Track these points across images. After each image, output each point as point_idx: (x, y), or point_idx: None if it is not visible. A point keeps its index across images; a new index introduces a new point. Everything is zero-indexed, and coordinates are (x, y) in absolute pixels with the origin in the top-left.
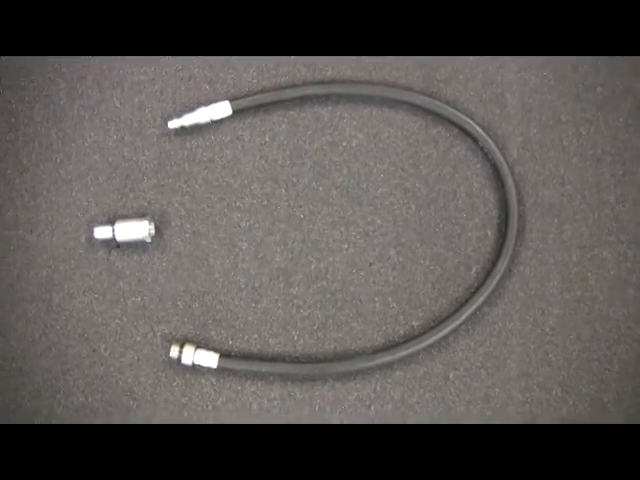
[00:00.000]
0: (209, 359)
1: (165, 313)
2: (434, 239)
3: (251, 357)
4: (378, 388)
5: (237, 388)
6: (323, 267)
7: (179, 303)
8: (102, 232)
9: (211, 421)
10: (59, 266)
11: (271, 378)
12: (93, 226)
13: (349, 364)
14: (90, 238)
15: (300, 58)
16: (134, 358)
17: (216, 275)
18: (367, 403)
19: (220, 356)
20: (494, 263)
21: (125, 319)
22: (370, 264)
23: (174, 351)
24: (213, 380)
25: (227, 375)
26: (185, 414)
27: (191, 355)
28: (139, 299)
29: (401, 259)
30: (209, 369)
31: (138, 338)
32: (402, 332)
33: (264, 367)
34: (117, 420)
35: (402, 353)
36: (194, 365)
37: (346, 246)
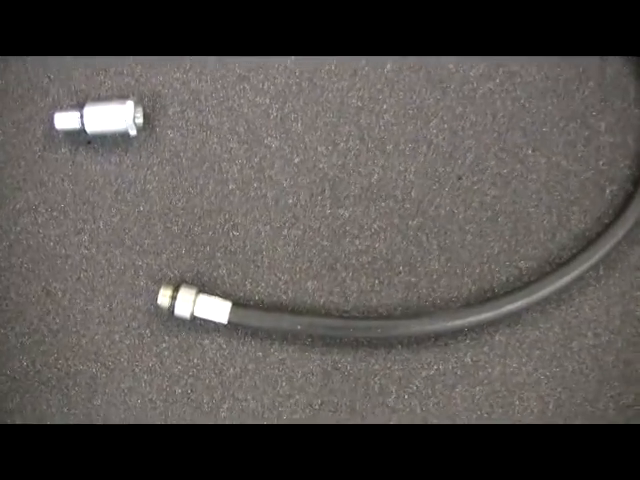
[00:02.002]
0: (217, 310)
1: (154, 240)
2: (551, 144)
3: (279, 308)
4: (468, 360)
5: (257, 354)
6: (390, 179)
7: (174, 226)
8: (66, 120)
9: (216, 401)
10: (4, 170)
11: (309, 341)
12: (54, 112)
13: (426, 323)
14: (49, 129)
15: None
16: (105, 306)
17: (231, 187)
18: (451, 382)
19: (233, 305)
20: (636, 183)
21: (94, 248)
22: (459, 177)
23: (164, 297)
24: (221, 341)
25: (243, 335)
26: (178, 390)
27: (190, 303)
28: (117, 219)
29: (504, 172)
30: (216, 325)
31: (112, 276)
32: (504, 278)
33: (298, 323)
34: (75, 396)
35: (504, 309)
36: (194, 318)
37: (424, 149)
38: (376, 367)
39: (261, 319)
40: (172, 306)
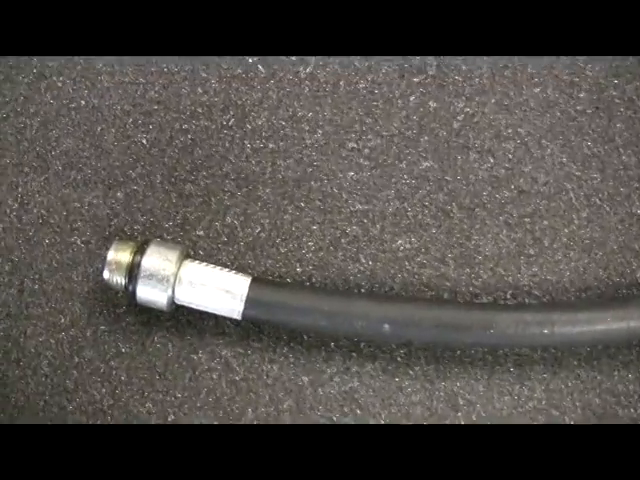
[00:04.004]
0: (222, 292)
1: (102, 163)
2: None
3: (343, 291)
4: None
5: (301, 380)
6: None
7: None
8: None
9: None
10: None
11: (403, 354)
12: None
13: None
14: None
15: None
16: (12, 286)
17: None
18: None
19: (253, 283)
20: None
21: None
22: None
23: (118, 266)
24: (228, 356)
25: (272, 342)
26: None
27: (168, 279)
28: (36, 121)
29: None
30: (220, 323)
31: (27, 229)
32: None
33: (383, 319)
34: None
35: None
36: (176, 309)
37: None
38: (532, 404)
39: (310, 310)
40: (132, 285)
